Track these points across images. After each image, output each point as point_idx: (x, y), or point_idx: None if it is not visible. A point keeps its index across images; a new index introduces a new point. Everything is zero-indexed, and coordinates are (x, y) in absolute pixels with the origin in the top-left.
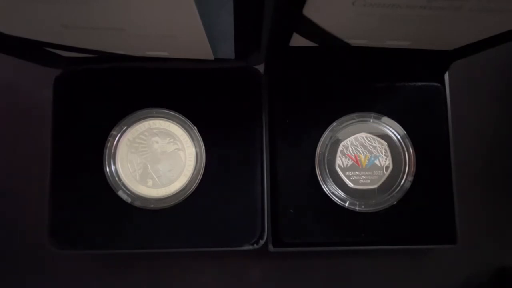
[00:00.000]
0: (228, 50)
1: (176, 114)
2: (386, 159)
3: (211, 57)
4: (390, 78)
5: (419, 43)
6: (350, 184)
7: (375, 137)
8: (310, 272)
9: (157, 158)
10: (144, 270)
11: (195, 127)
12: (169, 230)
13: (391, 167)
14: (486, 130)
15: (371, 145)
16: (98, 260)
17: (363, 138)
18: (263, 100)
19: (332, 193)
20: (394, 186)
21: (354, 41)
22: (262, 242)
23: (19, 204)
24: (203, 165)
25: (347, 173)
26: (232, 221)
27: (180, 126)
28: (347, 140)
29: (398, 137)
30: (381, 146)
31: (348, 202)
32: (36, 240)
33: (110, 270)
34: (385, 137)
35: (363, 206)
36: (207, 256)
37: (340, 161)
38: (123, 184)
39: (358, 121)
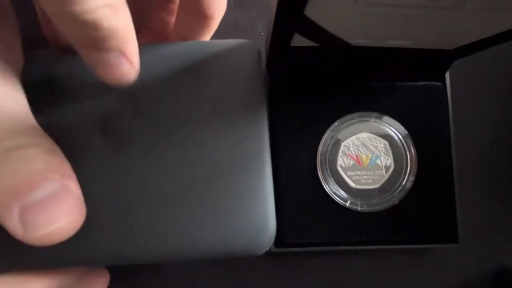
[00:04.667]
0: None
1: None
2: (387, 158)
3: None
4: (391, 78)
5: (420, 43)
6: (352, 184)
7: (377, 137)
8: (311, 271)
9: None
10: (143, 270)
11: None
12: None
13: (392, 167)
14: (487, 129)
15: (373, 145)
16: None
17: (364, 138)
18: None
19: (334, 193)
20: (396, 186)
21: (355, 41)
22: None
23: None
24: None
25: (348, 173)
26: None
27: None
28: (349, 140)
29: (400, 136)
30: (383, 146)
31: (349, 201)
32: None
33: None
34: (387, 136)
35: (364, 206)
36: None
37: (342, 161)
38: None
39: (360, 121)
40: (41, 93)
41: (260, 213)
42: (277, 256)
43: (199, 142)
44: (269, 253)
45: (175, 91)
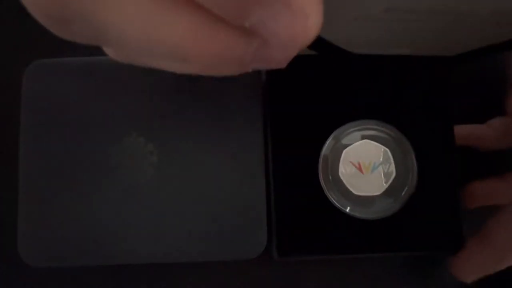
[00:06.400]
0: None
1: None
2: (389, 166)
3: None
4: (392, 85)
5: (421, 50)
6: (353, 191)
7: (378, 144)
8: (312, 279)
9: None
10: (143, 274)
11: None
12: None
13: (394, 174)
14: None
15: (374, 152)
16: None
17: (366, 145)
18: (264, 107)
19: (335, 200)
20: (397, 193)
21: (356, 50)
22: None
23: None
24: None
25: (350, 180)
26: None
27: None
28: (350, 147)
29: (401, 143)
30: (384, 153)
31: (350, 209)
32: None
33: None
34: (388, 143)
35: (366, 213)
36: None
37: (343, 168)
38: None
39: (361, 128)
40: (40, 104)
41: (252, 226)
42: (278, 264)
43: (199, 160)
44: (269, 260)
45: (177, 113)
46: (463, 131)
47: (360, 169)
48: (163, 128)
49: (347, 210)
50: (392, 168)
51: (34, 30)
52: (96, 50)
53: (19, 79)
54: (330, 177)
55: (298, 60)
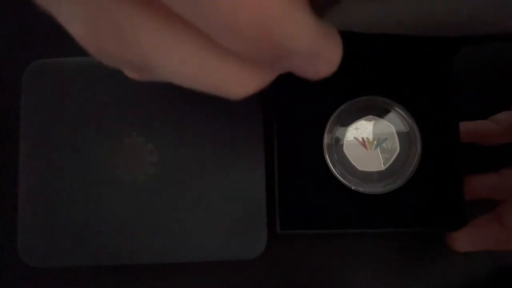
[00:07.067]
0: None
1: None
2: (393, 142)
3: None
4: (397, 63)
5: (427, 30)
6: (358, 167)
7: (383, 120)
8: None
9: None
10: (143, 274)
11: None
12: None
13: (397, 150)
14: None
15: (379, 128)
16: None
17: (370, 121)
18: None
19: (340, 175)
20: (401, 169)
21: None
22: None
23: None
24: None
25: (354, 155)
26: None
27: None
28: (355, 123)
29: (405, 120)
30: (388, 130)
31: (355, 184)
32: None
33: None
34: (393, 120)
35: (370, 188)
36: None
37: (348, 144)
38: None
39: (366, 105)
40: (40, 104)
41: (252, 226)
42: (278, 264)
43: (199, 160)
44: (269, 260)
45: (177, 113)
46: (467, 128)
47: (364, 145)
48: (163, 128)
49: (351, 185)
50: (396, 144)
51: (34, 30)
52: None
53: (19, 79)
54: (335, 153)
55: None
